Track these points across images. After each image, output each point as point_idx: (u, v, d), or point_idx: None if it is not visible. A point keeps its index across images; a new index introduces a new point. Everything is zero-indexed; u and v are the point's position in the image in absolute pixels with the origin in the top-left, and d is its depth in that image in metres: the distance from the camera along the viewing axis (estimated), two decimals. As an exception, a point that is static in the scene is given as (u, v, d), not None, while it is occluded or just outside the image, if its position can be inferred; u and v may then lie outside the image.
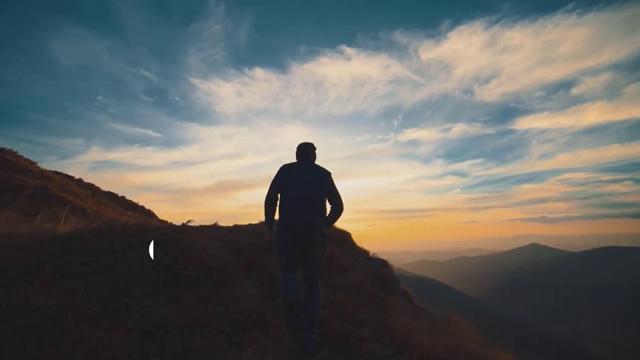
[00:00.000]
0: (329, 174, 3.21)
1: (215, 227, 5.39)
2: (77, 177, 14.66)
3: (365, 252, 4.74)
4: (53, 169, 12.84)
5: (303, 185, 3.05)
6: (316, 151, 3.36)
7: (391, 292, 3.79)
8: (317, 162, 3.35)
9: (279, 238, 3.00)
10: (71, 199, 7.11)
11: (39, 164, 9.72)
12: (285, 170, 3.18)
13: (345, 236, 4.78)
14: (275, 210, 3.17)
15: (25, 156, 9.51)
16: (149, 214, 16.01)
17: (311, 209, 2.99)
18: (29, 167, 8.25)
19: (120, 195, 16.15)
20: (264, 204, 3.16)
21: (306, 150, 3.29)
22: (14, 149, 9.51)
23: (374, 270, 4.15)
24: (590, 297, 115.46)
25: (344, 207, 3.20)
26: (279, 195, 3.14)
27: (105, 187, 15.80)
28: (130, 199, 16.64)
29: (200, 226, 5.39)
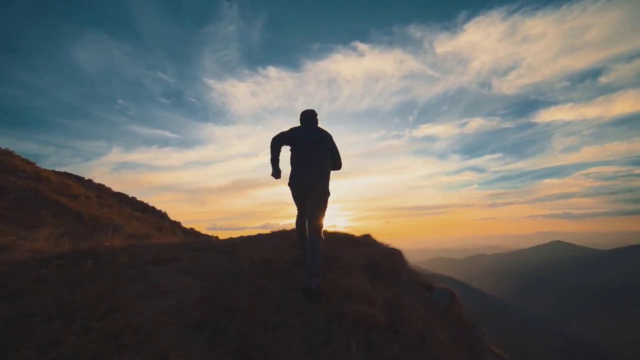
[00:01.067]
0: (331, 135, 3.62)
1: (205, 246, 3.63)
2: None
3: (416, 275, 3.50)
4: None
5: (311, 144, 3.40)
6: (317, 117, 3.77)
7: (479, 352, 2.53)
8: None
9: (291, 190, 3.43)
10: (66, 202, 6.28)
11: (37, 164, 8.99)
12: (296, 130, 3.52)
13: (398, 260, 3.51)
14: (280, 151, 3.41)
15: (24, 156, 8.81)
16: (160, 215, 15.29)
17: (318, 167, 3.31)
18: (21, 168, 7.49)
19: (131, 196, 15.52)
20: (270, 145, 3.38)
21: (310, 116, 3.69)
22: (10, 149, 8.81)
23: (443, 311, 2.93)
24: (616, 297, 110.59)
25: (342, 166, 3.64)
26: (286, 147, 3.48)
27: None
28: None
29: (189, 243, 4.14)
